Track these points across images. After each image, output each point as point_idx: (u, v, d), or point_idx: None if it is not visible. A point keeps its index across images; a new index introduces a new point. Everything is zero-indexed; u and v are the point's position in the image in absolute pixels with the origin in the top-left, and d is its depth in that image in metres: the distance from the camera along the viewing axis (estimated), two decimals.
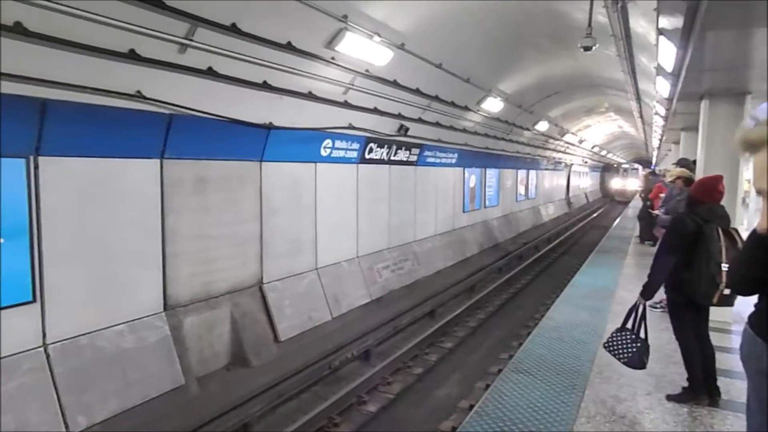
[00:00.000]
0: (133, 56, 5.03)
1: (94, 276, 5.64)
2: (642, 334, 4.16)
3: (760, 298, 2.59)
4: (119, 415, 5.43)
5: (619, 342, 4.21)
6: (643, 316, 4.17)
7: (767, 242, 2.41)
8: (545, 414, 3.98)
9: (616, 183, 46.46)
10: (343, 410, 6.31)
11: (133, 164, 5.97)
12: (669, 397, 4.29)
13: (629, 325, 4.21)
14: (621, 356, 4.17)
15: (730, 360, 4.70)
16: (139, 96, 5.41)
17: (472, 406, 4.88)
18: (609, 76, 13.91)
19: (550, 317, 6.66)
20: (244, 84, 6.58)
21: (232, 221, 7.51)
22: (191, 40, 5.41)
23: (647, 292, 4.13)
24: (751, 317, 2.62)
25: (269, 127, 7.51)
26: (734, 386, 4.27)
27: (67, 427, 4.98)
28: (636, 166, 45.56)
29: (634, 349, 4.10)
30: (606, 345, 4.30)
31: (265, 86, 6.89)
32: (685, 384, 4.27)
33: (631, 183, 43.87)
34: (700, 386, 4.21)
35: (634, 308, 4.22)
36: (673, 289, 4.10)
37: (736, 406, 3.93)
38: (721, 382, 4.24)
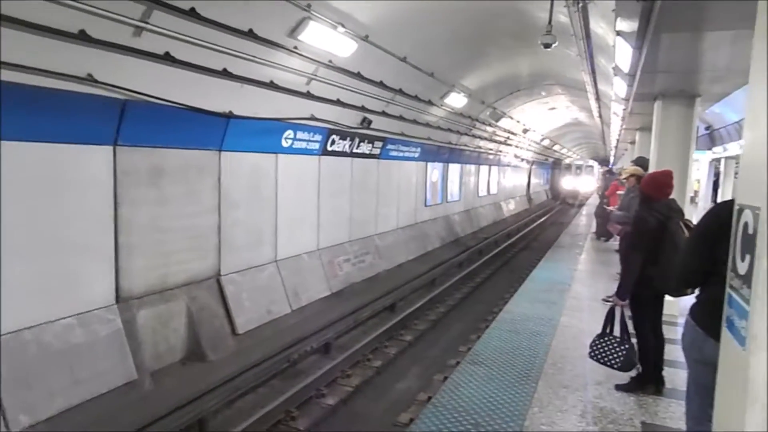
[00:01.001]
0: (83, 37, 4.81)
1: (40, 267, 5.39)
2: (625, 334, 4.22)
3: (701, 291, 2.70)
4: (66, 412, 5.21)
5: (606, 348, 4.23)
6: (622, 317, 4.24)
7: (710, 237, 2.52)
8: (500, 405, 4.04)
9: (567, 183, 40.12)
10: (301, 404, 6.26)
11: (83, 151, 5.71)
12: (618, 387, 4.43)
13: (613, 330, 4.27)
14: (612, 362, 4.18)
15: (675, 351, 4.86)
16: (90, 79, 5.18)
17: (430, 398, 4.91)
18: (571, 75, 14.22)
19: (508, 311, 6.78)
20: (204, 71, 6.41)
21: (189, 212, 7.32)
22: (146, 23, 5.23)
23: (622, 292, 4.19)
24: (692, 309, 2.73)
25: (229, 116, 7.34)
26: (678, 376, 4.44)
27: (7, 426, 4.76)
28: (591, 162, 40.39)
29: (624, 352, 4.14)
30: (592, 355, 4.31)
31: (225, 74, 6.74)
32: (634, 374, 4.42)
33: (585, 182, 38.45)
34: (649, 376, 4.38)
35: (611, 311, 4.29)
36: (638, 284, 4.14)
37: (679, 394, 4.08)
38: (666, 371, 4.42)
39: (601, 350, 4.26)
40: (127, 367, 5.98)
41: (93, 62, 5.15)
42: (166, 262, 6.99)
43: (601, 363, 4.27)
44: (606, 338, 4.26)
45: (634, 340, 4.27)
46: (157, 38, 5.52)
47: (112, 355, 5.87)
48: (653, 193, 4.26)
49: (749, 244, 1.71)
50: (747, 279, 1.72)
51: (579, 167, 39.49)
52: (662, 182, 4.29)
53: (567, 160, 41.85)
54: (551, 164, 42.08)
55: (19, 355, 5.07)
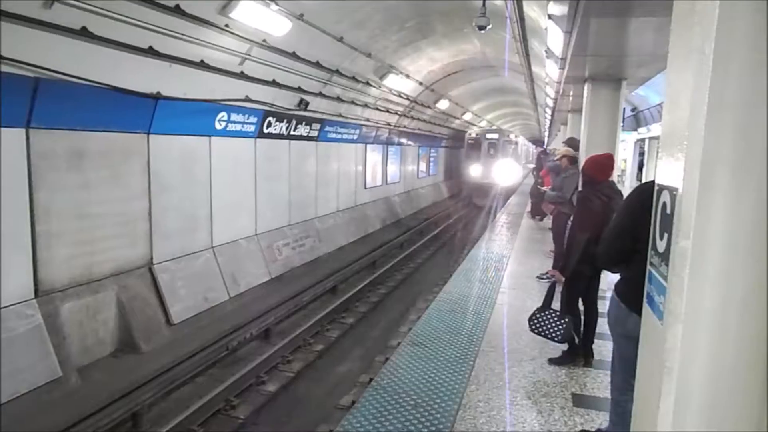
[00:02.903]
0: None
1: None
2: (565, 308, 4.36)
3: (625, 268, 2.82)
4: None
5: (546, 322, 4.36)
6: (563, 292, 4.36)
7: (633, 217, 2.62)
8: (438, 384, 4.11)
9: (475, 170, 24.47)
10: (241, 392, 6.15)
11: None
12: (551, 361, 4.61)
13: (551, 304, 4.40)
14: (552, 335, 4.32)
15: (603, 324, 5.11)
16: None
17: (371, 380, 4.93)
18: (506, 58, 14.46)
19: (447, 291, 6.88)
20: (127, 48, 6.03)
21: (116, 198, 6.94)
22: None
23: (566, 269, 4.32)
24: (617, 285, 2.85)
25: (157, 97, 6.96)
26: (606, 348, 4.66)
27: None
28: (514, 138, 25.91)
29: (563, 325, 4.28)
30: (533, 328, 4.42)
31: (152, 52, 6.37)
32: (566, 347, 4.61)
33: (505, 169, 24.02)
34: (578, 349, 4.58)
35: (553, 287, 4.41)
36: (580, 261, 4.22)
37: (606, 365, 4.28)
38: (595, 344, 4.64)
39: (542, 324, 4.41)
40: (50, 363, 5.63)
41: None
42: (92, 250, 6.61)
43: (542, 335, 4.43)
44: (546, 312, 4.42)
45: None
46: (71, 11, 5.12)
47: (31, 353, 5.49)
48: (597, 176, 4.40)
49: (667, 223, 1.77)
50: (665, 257, 1.79)
51: (493, 143, 24.13)
52: (605, 165, 4.45)
53: (473, 133, 25.81)
54: (447, 140, 26.50)
55: None
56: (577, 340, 4.54)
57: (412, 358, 4.61)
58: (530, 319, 4.52)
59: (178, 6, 6.15)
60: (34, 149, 5.68)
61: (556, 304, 4.50)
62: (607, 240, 2.84)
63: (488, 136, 25.17)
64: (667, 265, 1.76)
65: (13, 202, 5.55)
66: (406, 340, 5.08)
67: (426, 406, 3.76)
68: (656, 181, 1.94)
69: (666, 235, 1.79)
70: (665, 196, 1.82)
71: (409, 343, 4.94)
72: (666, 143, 1.88)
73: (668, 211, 1.78)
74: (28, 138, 5.60)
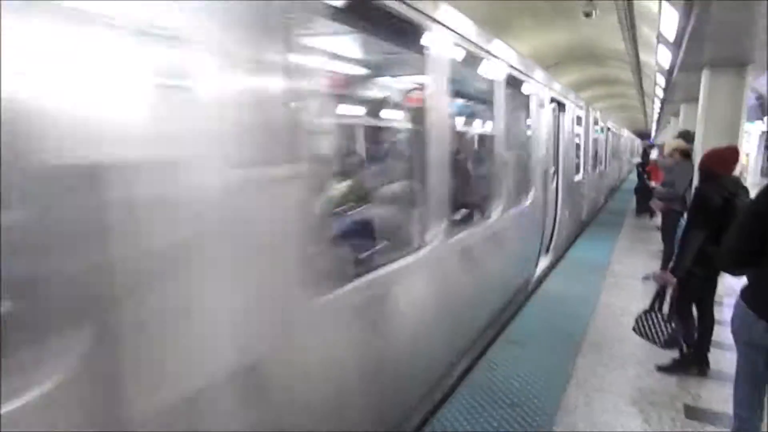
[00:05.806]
0: None
1: None
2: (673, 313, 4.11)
3: (753, 272, 2.58)
4: None
5: (651, 324, 4.11)
6: (672, 295, 4.11)
7: (764, 216, 2.39)
8: (535, 383, 4.01)
9: None
10: None
11: None
12: (659, 368, 4.32)
13: (662, 307, 4.16)
14: (656, 339, 4.08)
15: (720, 331, 4.72)
16: None
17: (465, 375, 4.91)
18: (609, 46, 13.72)
19: (545, 289, 6.68)
20: None
21: None
22: None
23: (679, 270, 4.02)
24: (743, 291, 2.62)
25: None
26: (724, 357, 4.30)
27: None
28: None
29: (670, 331, 4.02)
30: (636, 329, 4.19)
31: None
32: (676, 355, 4.31)
33: None
34: (691, 357, 4.25)
35: (662, 289, 4.16)
36: (695, 262, 3.91)
37: (724, 376, 3.95)
38: (712, 353, 4.29)
39: (647, 325, 4.14)
40: None
41: None
42: None
43: (644, 338, 4.16)
44: (653, 314, 4.15)
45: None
46: None
47: None
48: (718, 169, 4.04)
49: None
50: None
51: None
52: (727, 158, 4.07)
53: None
54: None
55: None
56: (684, 348, 4.22)
57: (508, 355, 4.54)
58: (636, 320, 4.27)
59: None
60: None
61: (666, 308, 4.21)
62: (732, 240, 2.61)
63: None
64: None
65: None
66: (502, 337, 5.01)
67: (523, 405, 3.69)
68: None
69: None
70: None
71: (505, 341, 4.87)
72: None
73: None
74: None
